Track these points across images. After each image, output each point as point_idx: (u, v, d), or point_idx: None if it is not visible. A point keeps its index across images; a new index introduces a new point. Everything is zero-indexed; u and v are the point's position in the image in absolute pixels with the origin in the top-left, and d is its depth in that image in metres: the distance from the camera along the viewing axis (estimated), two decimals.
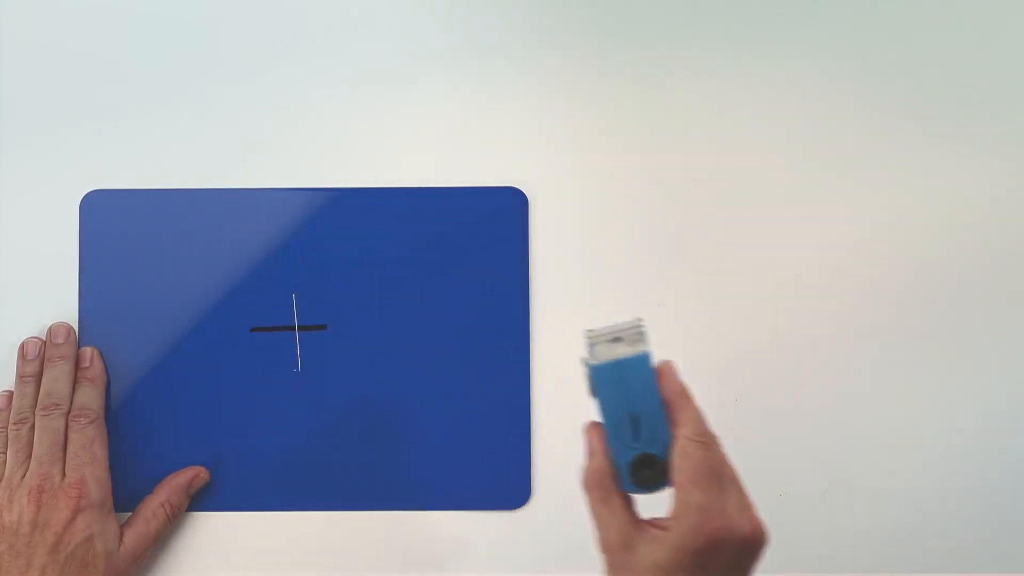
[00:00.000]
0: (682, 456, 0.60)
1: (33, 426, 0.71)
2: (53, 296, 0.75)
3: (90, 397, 0.72)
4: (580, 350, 0.64)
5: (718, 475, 0.61)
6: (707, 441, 0.61)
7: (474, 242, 0.75)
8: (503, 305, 0.75)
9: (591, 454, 0.64)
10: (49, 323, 0.74)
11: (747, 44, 0.77)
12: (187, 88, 0.77)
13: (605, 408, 0.63)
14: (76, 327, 0.75)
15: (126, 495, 0.73)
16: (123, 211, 0.75)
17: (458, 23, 0.77)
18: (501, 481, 0.74)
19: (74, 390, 0.72)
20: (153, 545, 0.72)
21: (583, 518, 0.75)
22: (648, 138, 0.76)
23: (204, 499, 0.74)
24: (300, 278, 0.75)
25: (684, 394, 0.63)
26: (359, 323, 0.75)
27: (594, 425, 0.64)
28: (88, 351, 0.74)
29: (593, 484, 0.63)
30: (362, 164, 0.76)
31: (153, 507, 0.72)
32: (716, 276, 0.76)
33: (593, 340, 0.64)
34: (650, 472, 0.62)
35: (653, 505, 0.63)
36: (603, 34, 0.77)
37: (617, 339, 0.64)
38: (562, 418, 0.75)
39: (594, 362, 0.63)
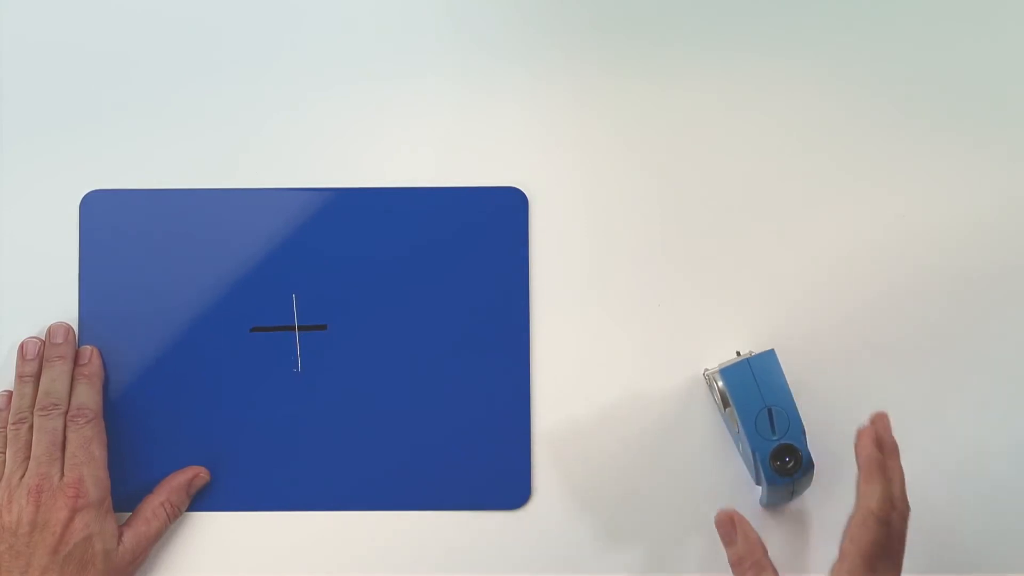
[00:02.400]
0: (860, 527, 0.64)
1: (32, 426, 0.71)
2: (53, 296, 0.75)
3: (88, 396, 0.72)
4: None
5: (886, 552, 0.63)
6: (888, 519, 0.64)
7: (474, 242, 0.75)
8: (503, 305, 0.75)
9: (744, 535, 0.67)
10: (49, 323, 0.74)
11: (751, 43, 0.77)
12: (187, 88, 0.77)
13: (740, 408, 0.68)
14: (76, 327, 0.75)
15: (126, 495, 0.73)
16: (123, 211, 0.75)
17: (458, 22, 0.77)
18: (501, 481, 0.74)
19: (72, 389, 0.72)
20: (153, 545, 0.72)
21: (583, 518, 0.75)
22: (649, 137, 0.76)
23: (204, 499, 0.74)
24: (300, 278, 0.75)
25: (879, 464, 0.65)
26: (359, 323, 0.75)
27: (729, 513, 0.68)
28: (87, 349, 0.74)
29: (749, 564, 0.66)
30: (362, 164, 0.76)
31: (153, 507, 0.72)
32: (717, 276, 0.76)
33: (714, 370, 0.71)
34: (789, 460, 0.68)
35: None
36: (603, 32, 0.77)
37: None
38: (562, 418, 0.75)
39: (724, 366, 0.69)
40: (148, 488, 0.73)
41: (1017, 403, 0.75)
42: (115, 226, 0.75)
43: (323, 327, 0.75)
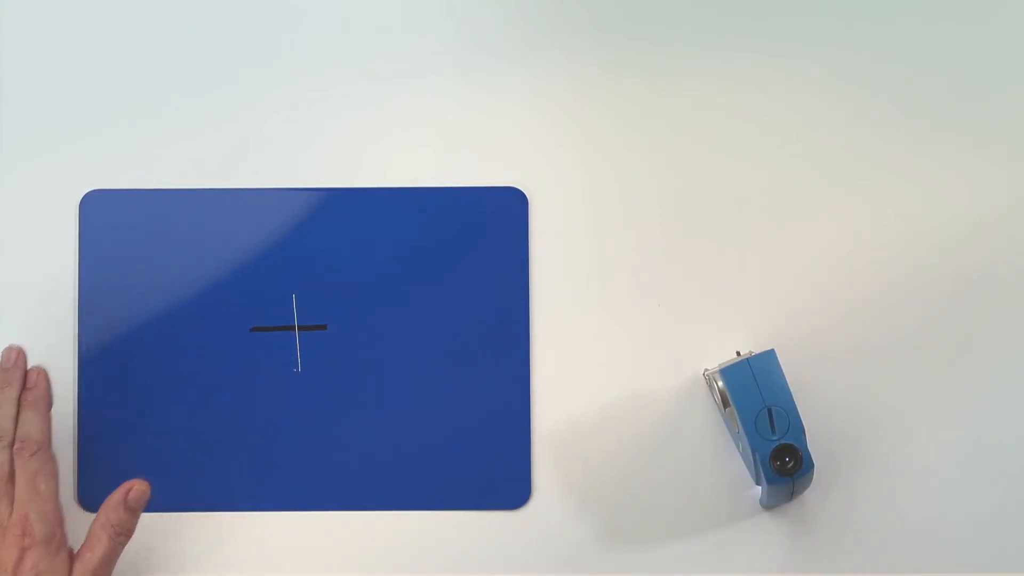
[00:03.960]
0: None
1: None
2: (52, 296, 0.75)
3: (32, 425, 0.70)
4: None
5: None
6: None
7: (474, 242, 0.75)
8: (503, 304, 0.75)
9: None
10: (48, 323, 0.74)
11: (751, 43, 0.77)
12: (187, 88, 0.77)
13: (740, 408, 0.68)
14: (75, 327, 0.74)
15: None
16: (123, 211, 0.75)
17: (457, 22, 0.77)
18: (501, 481, 0.74)
19: (19, 416, 0.71)
20: (107, 568, 0.69)
21: (583, 518, 0.75)
22: (649, 137, 0.76)
23: (204, 499, 0.74)
24: (300, 278, 0.75)
25: None
26: (359, 323, 0.75)
27: None
28: (34, 371, 0.72)
29: None
30: (362, 164, 0.76)
31: (94, 532, 0.69)
32: (717, 276, 0.76)
33: (714, 371, 0.71)
34: (789, 460, 0.68)
35: None
36: (603, 31, 0.77)
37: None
38: (562, 418, 0.75)
39: (724, 366, 0.69)
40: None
41: (1018, 403, 0.75)
42: (115, 226, 0.75)
43: (323, 327, 0.75)
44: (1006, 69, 0.77)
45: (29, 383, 0.72)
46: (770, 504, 0.73)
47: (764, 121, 0.77)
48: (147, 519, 0.73)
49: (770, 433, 0.68)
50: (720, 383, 0.70)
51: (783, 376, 0.69)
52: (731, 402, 0.69)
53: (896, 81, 0.77)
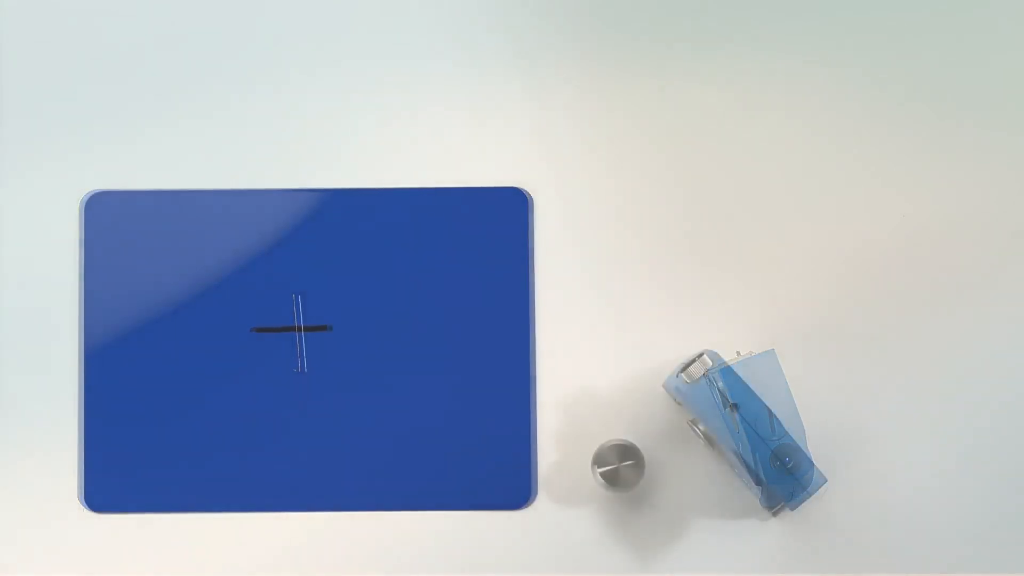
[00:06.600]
0: None
1: None
2: (56, 297, 0.75)
3: None
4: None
5: None
6: None
7: (476, 242, 0.75)
8: (506, 305, 0.75)
9: None
10: (51, 324, 0.74)
11: (755, 43, 0.77)
12: (189, 89, 0.77)
13: (740, 408, 0.69)
14: (79, 327, 0.75)
15: (130, 496, 0.74)
16: (125, 212, 0.76)
17: (458, 21, 0.77)
18: (504, 481, 0.74)
19: None
20: None
21: (585, 518, 0.75)
22: (651, 137, 0.77)
23: (205, 500, 0.74)
24: (303, 279, 0.75)
25: None
26: (362, 324, 0.75)
27: None
28: None
29: None
30: (363, 165, 0.76)
31: None
32: (718, 277, 0.76)
33: (714, 370, 0.70)
34: (789, 460, 0.68)
35: None
36: (605, 31, 0.77)
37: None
38: (564, 418, 0.75)
39: (725, 365, 0.69)
40: (151, 488, 0.74)
41: (1018, 403, 0.75)
42: (118, 227, 0.75)
43: (326, 328, 0.75)
44: (1010, 70, 0.77)
45: None
46: (770, 504, 0.73)
47: (767, 121, 0.77)
48: (150, 520, 0.73)
49: (770, 433, 0.68)
50: (720, 383, 0.70)
51: (783, 376, 0.69)
52: (731, 402, 0.69)
53: (898, 82, 0.77)
